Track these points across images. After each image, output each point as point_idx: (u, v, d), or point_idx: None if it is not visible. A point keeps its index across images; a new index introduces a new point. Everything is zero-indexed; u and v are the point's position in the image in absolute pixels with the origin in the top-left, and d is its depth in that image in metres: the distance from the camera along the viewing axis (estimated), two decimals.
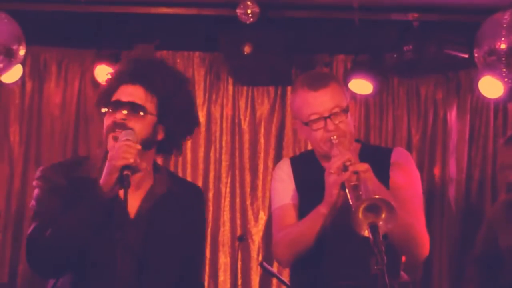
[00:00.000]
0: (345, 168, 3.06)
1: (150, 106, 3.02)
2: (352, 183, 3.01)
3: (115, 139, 2.95)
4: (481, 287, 4.53)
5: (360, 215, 2.80)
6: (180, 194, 3.17)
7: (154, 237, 3.04)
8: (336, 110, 3.25)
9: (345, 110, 3.28)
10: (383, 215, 2.79)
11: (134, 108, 2.99)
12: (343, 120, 3.26)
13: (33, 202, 3.03)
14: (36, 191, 3.04)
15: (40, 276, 3.10)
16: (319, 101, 3.25)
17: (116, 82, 3.06)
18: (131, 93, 3.01)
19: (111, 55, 6.20)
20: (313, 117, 3.26)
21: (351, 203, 2.93)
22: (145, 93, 3.02)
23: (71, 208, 2.91)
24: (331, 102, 3.24)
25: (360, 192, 2.93)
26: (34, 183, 3.06)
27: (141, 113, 3.00)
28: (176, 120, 3.10)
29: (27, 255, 2.97)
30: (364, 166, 3.06)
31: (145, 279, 2.99)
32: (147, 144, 3.03)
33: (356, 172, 3.03)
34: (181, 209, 3.14)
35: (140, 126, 3.00)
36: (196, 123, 3.23)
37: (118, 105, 2.99)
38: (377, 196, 2.83)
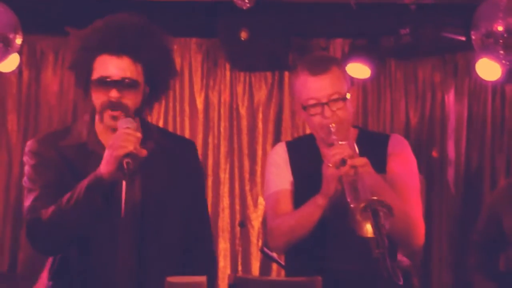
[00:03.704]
0: (343, 162, 3.01)
1: (139, 76, 2.97)
2: (350, 178, 2.98)
3: (114, 118, 2.91)
4: (489, 272, 4.49)
5: (359, 216, 2.77)
6: (169, 148, 3.11)
7: (150, 195, 3.00)
8: (335, 96, 3.18)
9: (344, 97, 3.21)
10: (381, 213, 2.76)
11: (128, 84, 2.93)
12: (341, 107, 3.19)
13: (25, 179, 3.00)
14: (26, 168, 3.01)
15: (40, 254, 3.09)
16: (318, 86, 3.18)
17: (97, 51, 2.97)
18: (120, 67, 2.93)
19: None
20: (311, 102, 3.19)
21: (348, 200, 2.91)
22: (133, 64, 2.95)
23: (65, 180, 2.90)
24: (330, 89, 3.18)
25: (358, 187, 2.90)
26: (24, 159, 3.03)
27: (135, 88, 2.96)
28: (160, 80, 3.07)
29: (27, 234, 2.96)
30: (362, 161, 3.01)
31: (148, 244, 2.97)
32: (139, 111, 3.01)
33: (354, 167, 2.99)
34: (172, 163, 3.08)
35: (134, 100, 2.96)
36: (175, 73, 3.17)
37: (111, 83, 2.92)
38: (375, 198, 2.80)
